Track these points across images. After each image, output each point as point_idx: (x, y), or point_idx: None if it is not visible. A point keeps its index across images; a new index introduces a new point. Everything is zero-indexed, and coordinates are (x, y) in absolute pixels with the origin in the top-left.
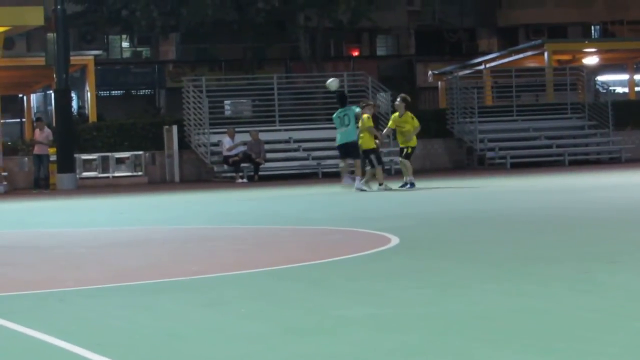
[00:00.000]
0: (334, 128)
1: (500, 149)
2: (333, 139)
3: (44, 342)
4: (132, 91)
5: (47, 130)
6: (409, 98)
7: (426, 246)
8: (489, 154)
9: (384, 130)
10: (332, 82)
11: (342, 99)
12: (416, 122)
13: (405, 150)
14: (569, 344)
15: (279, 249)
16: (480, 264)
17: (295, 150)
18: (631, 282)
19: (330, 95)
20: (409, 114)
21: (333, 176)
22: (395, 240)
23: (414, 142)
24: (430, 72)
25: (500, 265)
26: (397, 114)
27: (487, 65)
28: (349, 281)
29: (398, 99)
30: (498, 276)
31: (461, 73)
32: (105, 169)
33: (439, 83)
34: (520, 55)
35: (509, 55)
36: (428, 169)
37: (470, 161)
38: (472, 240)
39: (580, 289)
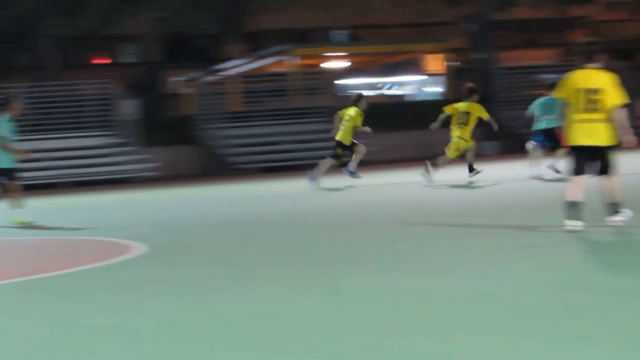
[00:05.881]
0: None
1: (246, 154)
2: None
3: None
4: None
5: None
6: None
7: (172, 253)
8: (234, 159)
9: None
10: None
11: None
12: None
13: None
14: (305, 346)
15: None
16: (221, 268)
17: None
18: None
19: None
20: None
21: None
22: (141, 248)
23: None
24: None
25: (244, 269)
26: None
27: (234, 71)
28: (91, 291)
29: None
30: (242, 281)
31: (207, 79)
32: None
33: (185, 89)
34: (267, 61)
35: (256, 60)
36: (175, 176)
37: (215, 167)
38: (216, 245)
39: (321, 291)
